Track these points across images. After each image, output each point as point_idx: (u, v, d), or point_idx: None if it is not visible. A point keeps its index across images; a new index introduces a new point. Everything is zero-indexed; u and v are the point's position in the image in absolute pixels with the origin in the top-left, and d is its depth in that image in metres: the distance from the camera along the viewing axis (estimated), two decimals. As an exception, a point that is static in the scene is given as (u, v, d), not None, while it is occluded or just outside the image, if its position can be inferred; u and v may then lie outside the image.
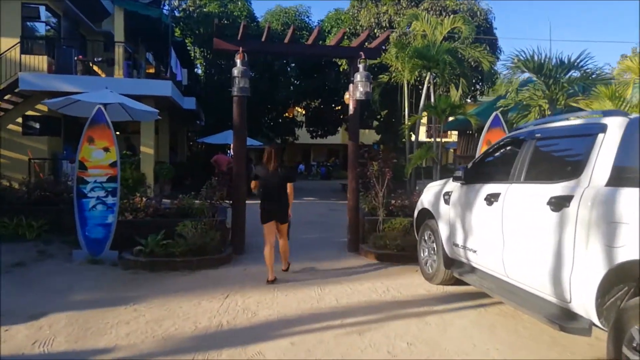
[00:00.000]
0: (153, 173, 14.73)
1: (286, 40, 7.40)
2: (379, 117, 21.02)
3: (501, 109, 9.27)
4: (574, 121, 3.97)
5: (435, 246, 5.62)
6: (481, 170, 4.98)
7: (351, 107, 7.50)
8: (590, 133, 3.53)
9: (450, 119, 16.90)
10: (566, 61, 8.90)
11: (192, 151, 26.80)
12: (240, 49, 6.70)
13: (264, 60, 20.04)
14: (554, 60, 8.92)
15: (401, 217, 7.46)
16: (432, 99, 13.04)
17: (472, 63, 16.17)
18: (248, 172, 18.15)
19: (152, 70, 22.20)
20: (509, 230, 4.09)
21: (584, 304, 3.22)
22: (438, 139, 13.07)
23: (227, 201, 7.67)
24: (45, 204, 8.11)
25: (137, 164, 14.31)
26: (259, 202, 5.91)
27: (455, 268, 5.21)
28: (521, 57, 8.99)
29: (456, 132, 26.57)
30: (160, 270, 6.28)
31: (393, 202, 7.73)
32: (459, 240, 4.97)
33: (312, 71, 20.83)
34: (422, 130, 23.14)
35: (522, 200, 3.99)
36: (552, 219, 3.53)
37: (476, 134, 14.88)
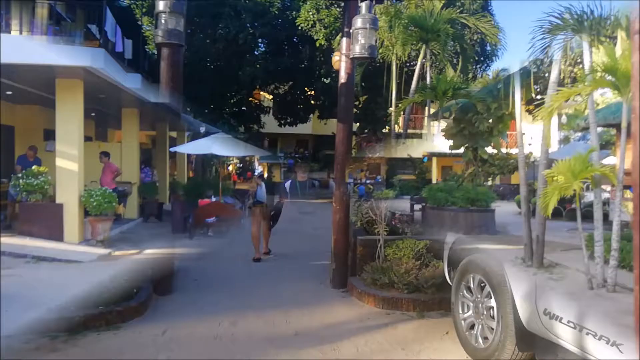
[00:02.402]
0: (78, 205, 6.78)
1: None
2: (357, 103, 18.63)
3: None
4: None
5: (495, 305, 3.20)
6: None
7: (343, 72, 4.96)
8: None
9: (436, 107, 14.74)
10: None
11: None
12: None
13: (225, 33, 17.23)
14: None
15: (409, 236, 5.05)
16: (429, 79, 10.72)
17: (469, 40, 14.04)
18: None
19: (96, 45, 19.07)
20: None
21: None
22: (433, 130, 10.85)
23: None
24: None
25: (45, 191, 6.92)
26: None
27: (544, 354, 2.81)
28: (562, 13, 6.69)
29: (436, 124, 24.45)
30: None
31: (397, 214, 5.26)
32: (561, 309, 2.58)
33: (283, 46, 18.09)
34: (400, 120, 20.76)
35: None
36: None
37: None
